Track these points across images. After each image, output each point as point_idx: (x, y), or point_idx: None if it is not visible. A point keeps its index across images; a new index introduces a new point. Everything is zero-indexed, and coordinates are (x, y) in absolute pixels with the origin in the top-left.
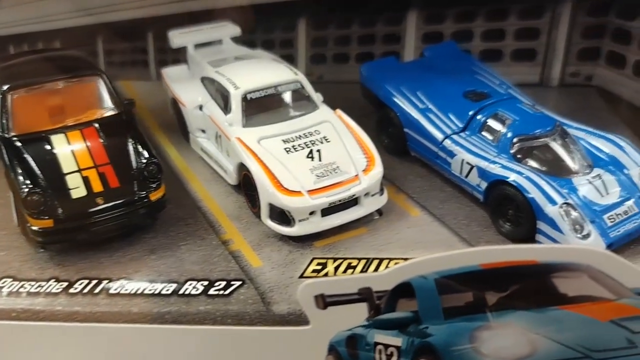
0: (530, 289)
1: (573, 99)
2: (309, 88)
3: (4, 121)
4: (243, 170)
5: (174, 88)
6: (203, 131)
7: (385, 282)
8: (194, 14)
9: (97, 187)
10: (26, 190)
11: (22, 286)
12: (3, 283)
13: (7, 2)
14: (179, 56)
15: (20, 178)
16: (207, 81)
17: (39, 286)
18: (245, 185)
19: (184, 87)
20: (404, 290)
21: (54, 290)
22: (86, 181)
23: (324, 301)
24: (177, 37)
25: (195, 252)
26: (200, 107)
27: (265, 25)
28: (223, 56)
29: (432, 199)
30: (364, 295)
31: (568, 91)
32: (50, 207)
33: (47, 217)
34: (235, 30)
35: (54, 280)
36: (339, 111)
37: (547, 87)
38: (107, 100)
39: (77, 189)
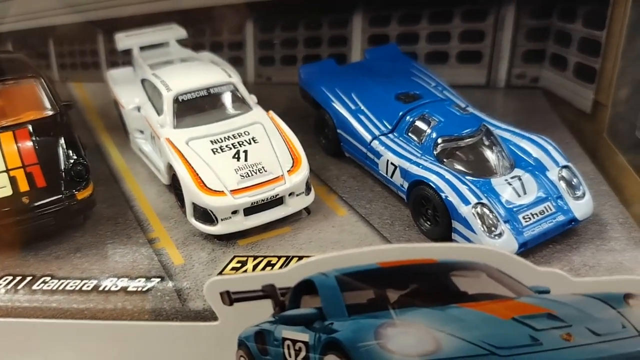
0: (430, 287)
1: (518, 100)
2: (243, 90)
3: None
4: (172, 170)
5: (115, 90)
6: (141, 132)
7: (288, 279)
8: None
9: (24, 186)
10: None
11: None
12: None
13: None
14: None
15: None
16: (146, 83)
17: None
18: (175, 185)
19: (124, 89)
20: (307, 287)
21: None
22: (13, 181)
23: (230, 298)
24: (124, 40)
25: (120, 251)
26: (138, 109)
27: (214, 27)
28: (168, 58)
29: (360, 199)
30: (268, 292)
31: (514, 93)
32: None
33: None
34: (181, 32)
35: None
36: (271, 113)
37: (493, 88)
38: (44, 102)
39: (3, 189)
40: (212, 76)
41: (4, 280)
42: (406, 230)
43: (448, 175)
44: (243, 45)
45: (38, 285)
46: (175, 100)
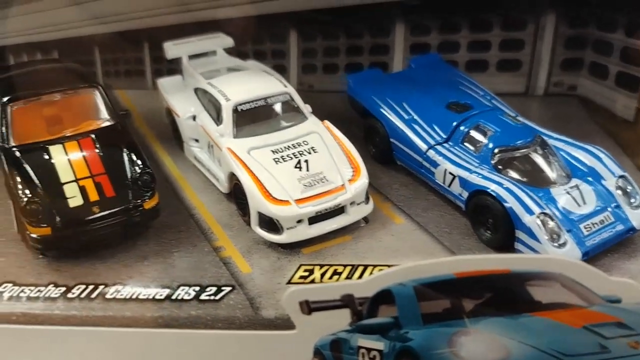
0: (504, 296)
1: (557, 109)
2: (298, 100)
3: (4, 132)
4: (234, 180)
5: (168, 98)
6: (196, 140)
7: (366, 289)
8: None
9: (94, 196)
10: (25, 199)
11: (21, 291)
12: (4, 288)
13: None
14: (175, 66)
15: (20, 187)
16: (200, 92)
17: (38, 291)
18: (236, 194)
19: (178, 98)
20: (385, 296)
21: (52, 295)
22: (83, 190)
23: (309, 307)
24: (172, 49)
25: (187, 259)
26: (194, 118)
27: (257, 36)
28: (216, 67)
29: (415, 207)
30: (346, 301)
31: (552, 100)
32: (48, 216)
33: (45, 225)
34: (228, 41)
35: (52, 285)
36: (326, 122)
37: (531, 96)
38: (103, 112)
39: (74, 198)
40: (269, 86)
41: (77, 289)
42: (465, 238)
43: (510, 185)
44: (286, 53)
45: (111, 294)
46: (235, 110)
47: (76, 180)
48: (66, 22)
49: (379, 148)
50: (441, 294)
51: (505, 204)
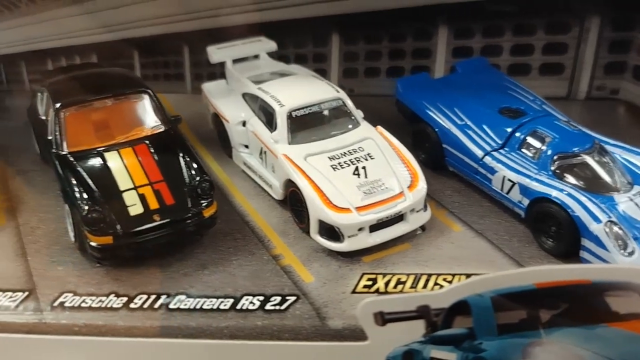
0: (582, 307)
1: (599, 113)
2: (350, 105)
3: (58, 138)
4: (290, 187)
5: (216, 104)
6: (246, 146)
7: (444, 300)
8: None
9: (153, 204)
10: (86, 207)
11: (82, 301)
12: (64, 298)
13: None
14: (214, 70)
15: (80, 195)
16: (249, 97)
17: (99, 301)
18: (292, 201)
19: (226, 103)
20: (461, 307)
21: (114, 305)
22: (142, 198)
23: (383, 318)
24: (216, 53)
25: (247, 267)
26: (244, 123)
27: (298, 39)
28: (261, 71)
29: (471, 214)
30: (422, 312)
31: (594, 104)
32: (109, 224)
33: (107, 234)
34: (271, 45)
35: (113, 295)
36: (379, 128)
37: (573, 100)
38: (155, 117)
39: (134, 206)
40: (321, 91)
41: (139, 299)
42: (525, 246)
43: (574, 192)
44: (327, 57)
45: (175, 304)
46: (289, 116)
47: (135, 188)
48: (105, 25)
49: (429, 153)
50: (519, 305)
51: (571, 212)
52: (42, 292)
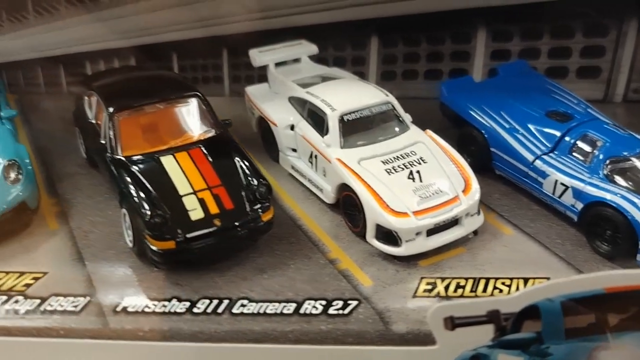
0: None
1: (636, 115)
2: (400, 109)
3: (112, 142)
4: (344, 191)
5: (262, 107)
6: (294, 150)
7: (514, 304)
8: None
9: (213, 208)
10: (149, 212)
11: (145, 306)
12: (127, 303)
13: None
14: (251, 72)
15: (141, 200)
16: (295, 101)
17: (162, 306)
18: (345, 205)
19: (273, 107)
20: (530, 312)
21: (177, 310)
22: (202, 203)
23: (453, 323)
24: (259, 56)
25: (305, 271)
26: (292, 127)
27: (338, 42)
28: (305, 75)
29: (521, 218)
30: (492, 317)
31: (630, 107)
32: (171, 229)
33: (169, 239)
34: (312, 48)
35: (175, 299)
36: (429, 131)
37: (609, 103)
38: (207, 121)
39: (195, 211)
40: (371, 95)
41: (202, 304)
42: (579, 249)
43: (630, 196)
44: (366, 60)
45: (238, 309)
46: (340, 120)
47: (195, 193)
48: (144, 28)
49: (475, 157)
50: (588, 309)
51: (629, 216)
52: (104, 296)
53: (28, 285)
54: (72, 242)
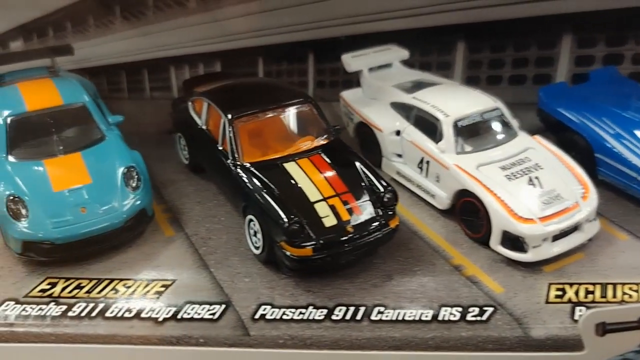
0: None
1: None
2: (508, 114)
3: (233, 149)
4: (463, 197)
5: (364, 113)
6: (399, 155)
7: None
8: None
9: (345, 215)
10: (286, 219)
11: (283, 313)
12: (264, 310)
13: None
14: (336, 77)
15: (276, 207)
16: (399, 106)
17: (300, 313)
18: (463, 212)
19: (376, 112)
20: None
21: (316, 317)
22: (333, 209)
23: (604, 329)
24: (353, 61)
25: (433, 278)
26: (397, 133)
27: (423, 48)
28: (401, 80)
29: (633, 223)
30: None
31: None
32: (308, 236)
33: (306, 246)
34: (403, 53)
35: (311, 307)
36: (537, 137)
37: None
38: (321, 127)
39: (327, 218)
40: (481, 101)
41: (339, 311)
42: None
43: None
44: (451, 65)
45: (376, 316)
46: (455, 126)
47: (325, 199)
48: (230, 33)
49: (576, 162)
50: None
51: None
52: (239, 304)
53: (159, 293)
54: (192, 249)
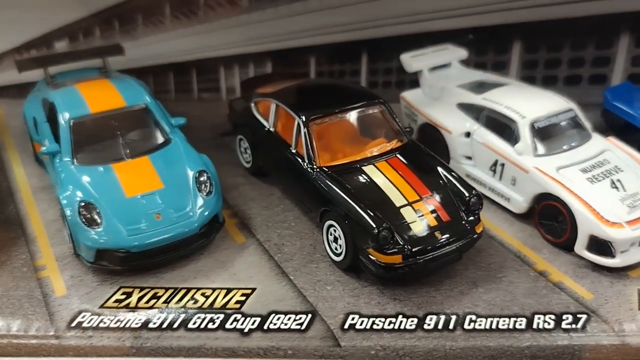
0: None
1: None
2: (581, 115)
3: (309, 152)
4: (543, 200)
5: (430, 114)
6: (468, 158)
7: None
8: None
9: (432, 221)
10: (375, 225)
11: (373, 323)
12: (352, 320)
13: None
14: (390, 78)
15: (363, 213)
16: (467, 107)
17: (390, 323)
18: (543, 216)
19: (443, 113)
20: None
21: (407, 327)
22: (420, 215)
23: None
24: (413, 61)
25: (519, 284)
26: (467, 134)
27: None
28: (463, 80)
29: None
30: None
31: None
32: (397, 243)
33: (396, 253)
34: (462, 53)
35: (401, 316)
36: (611, 138)
37: None
38: (394, 129)
39: (414, 223)
40: (554, 102)
41: (430, 320)
42: None
43: None
44: (507, 65)
45: (469, 324)
46: (532, 127)
47: (410, 204)
48: (282, 33)
49: None
50: None
51: None
52: (325, 313)
53: (240, 303)
54: (267, 256)
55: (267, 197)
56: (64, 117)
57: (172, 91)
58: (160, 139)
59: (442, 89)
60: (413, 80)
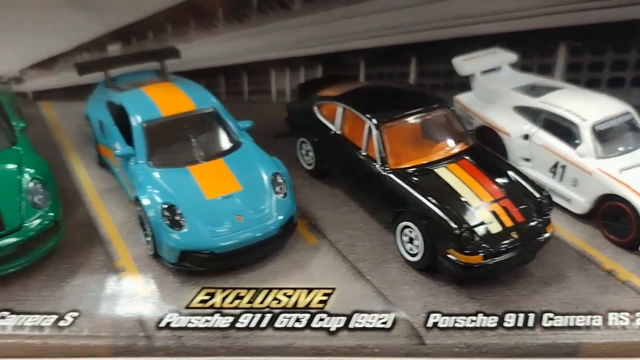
0: None
1: None
2: (638, 118)
3: (382, 155)
4: (607, 202)
5: (488, 117)
6: (526, 160)
7: None
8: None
9: (507, 221)
10: (455, 226)
11: (455, 321)
12: (435, 319)
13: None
14: (437, 81)
15: (443, 214)
16: (524, 110)
17: (471, 321)
18: (606, 216)
19: (500, 116)
20: None
21: (489, 325)
22: (496, 215)
23: None
24: (465, 65)
25: (588, 283)
26: (525, 137)
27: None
28: (516, 84)
29: None
30: None
31: None
32: (477, 243)
33: (477, 253)
34: (512, 56)
35: (481, 314)
36: None
37: None
38: (459, 131)
39: (492, 224)
40: (612, 105)
41: (509, 318)
42: None
43: None
44: (552, 68)
45: (547, 322)
46: (592, 130)
47: (485, 205)
48: (332, 36)
49: None
50: None
51: None
52: (407, 312)
53: (323, 302)
54: (341, 256)
55: (330, 198)
56: (136, 120)
57: (223, 93)
58: (231, 141)
59: (495, 92)
60: (460, 84)
